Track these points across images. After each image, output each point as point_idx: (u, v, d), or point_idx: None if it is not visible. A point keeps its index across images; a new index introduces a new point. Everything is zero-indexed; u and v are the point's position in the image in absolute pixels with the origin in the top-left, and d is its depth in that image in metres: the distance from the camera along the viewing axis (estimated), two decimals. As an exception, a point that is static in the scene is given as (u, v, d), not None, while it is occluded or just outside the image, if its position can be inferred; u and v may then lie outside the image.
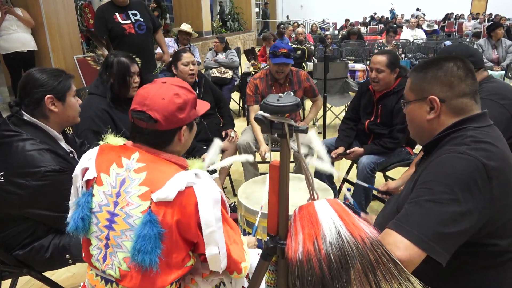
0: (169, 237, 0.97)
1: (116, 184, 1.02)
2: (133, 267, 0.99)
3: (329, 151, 2.72)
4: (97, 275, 1.09)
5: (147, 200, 0.97)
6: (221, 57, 5.25)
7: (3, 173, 1.39)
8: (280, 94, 0.81)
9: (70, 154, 1.56)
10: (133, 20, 3.44)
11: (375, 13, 19.46)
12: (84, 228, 1.04)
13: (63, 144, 1.56)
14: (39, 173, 1.37)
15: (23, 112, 1.47)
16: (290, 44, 6.54)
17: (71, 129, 2.10)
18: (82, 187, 1.07)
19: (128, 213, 0.99)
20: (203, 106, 1.16)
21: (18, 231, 1.48)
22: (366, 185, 2.25)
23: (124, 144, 1.09)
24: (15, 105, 1.49)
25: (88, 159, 1.08)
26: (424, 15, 14.17)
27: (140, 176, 1.00)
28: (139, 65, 2.12)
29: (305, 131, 0.80)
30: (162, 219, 0.96)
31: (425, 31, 9.25)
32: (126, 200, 1.00)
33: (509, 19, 13.85)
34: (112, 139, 1.12)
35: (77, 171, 1.09)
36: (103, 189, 1.03)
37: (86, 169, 1.07)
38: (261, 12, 18.43)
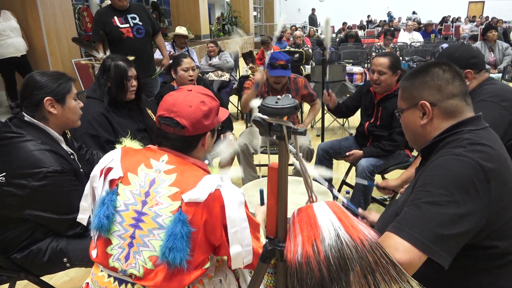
0: (195, 237, 1.00)
1: (145, 184, 1.05)
2: (159, 265, 1.01)
3: (328, 153, 2.73)
4: (109, 275, 1.08)
5: (177, 200, 1.01)
6: (215, 60, 5.27)
7: (4, 173, 1.39)
8: (279, 97, 0.81)
9: (71, 156, 1.56)
10: (132, 24, 3.44)
11: (369, 16, 19.52)
12: (108, 227, 1.05)
13: (64, 145, 1.57)
14: (40, 174, 1.37)
15: (24, 114, 1.48)
16: (288, 47, 6.57)
17: (69, 132, 2.10)
18: (103, 186, 1.09)
19: (157, 212, 1.02)
20: (223, 113, 1.21)
21: (16, 234, 1.47)
22: (365, 182, 2.25)
23: (149, 147, 1.14)
24: (15, 106, 1.50)
25: (111, 160, 1.11)
26: (419, 20, 14.26)
27: (170, 177, 1.05)
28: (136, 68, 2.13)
29: (304, 133, 0.80)
30: (191, 219, 0.99)
31: (424, 31, 9.29)
32: (155, 199, 1.03)
33: (505, 22, 13.92)
34: (129, 143, 1.18)
35: (96, 171, 1.12)
36: (131, 188, 1.06)
37: (109, 169, 1.09)
38: (308, 19, 17.87)
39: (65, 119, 1.53)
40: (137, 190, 1.05)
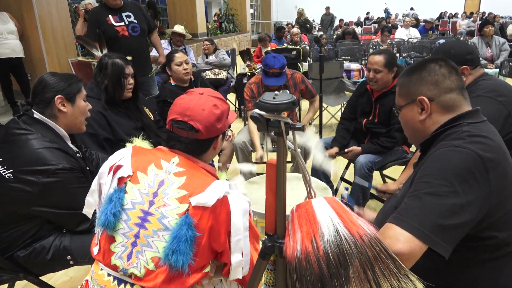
0: (200, 242, 1.00)
1: (154, 184, 1.05)
2: (161, 267, 1.00)
3: (326, 150, 2.72)
4: (109, 274, 1.08)
5: (184, 203, 1.01)
6: (212, 58, 5.26)
7: (11, 170, 1.40)
8: (276, 92, 0.80)
9: (78, 154, 1.58)
10: (127, 22, 3.42)
11: (368, 12, 19.46)
12: (114, 224, 1.04)
13: (70, 144, 1.58)
14: (49, 171, 1.39)
15: (34, 111, 1.50)
16: (285, 44, 6.55)
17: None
18: (111, 183, 1.08)
19: (164, 213, 1.02)
20: (232, 116, 1.22)
21: (22, 231, 1.47)
22: (366, 184, 2.25)
23: (159, 148, 1.14)
24: (26, 104, 1.53)
25: (121, 158, 1.11)
26: (416, 16, 14.25)
27: (180, 179, 1.05)
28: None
29: (302, 128, 0.79)
30: (197, 223, 0.99)
31: (424, 26, 9.30)
32: (163, 201, 1.03)
33: (502, 17, 13.93)
34: (140, 142, 1.18)
35: (105, 168, 1.12)
36: (139, 187, 1.06)
37: (118, 167, 1.09)
38: (320, 21, 14.34)
39: (73, 118, 1.57)
40: (146, 190, 1.05)
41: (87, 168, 1.58)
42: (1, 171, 1.41)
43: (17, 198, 1.40)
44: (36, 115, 1.49)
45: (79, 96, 1.58)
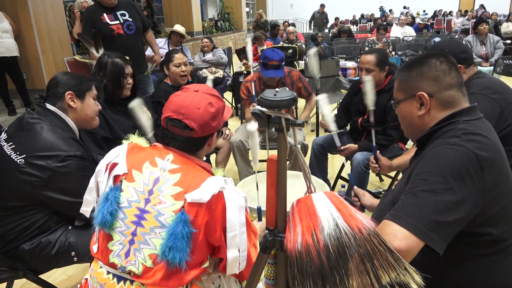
0: (196, 238, 1.01)
1: (149, 182, 1.05)
2: (158, 264, 1.01)
3: (323, 148, 2.74)
4: (108, 272, 1.09)
5: (180, 200, 1.02)
6: (209, 56, 5.26)
7: (23, 156, 1.43)
8: (277, 89, 0.82)
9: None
10: (122, 21, 3.42)
11: (389, 11, 18.87)
12: (111, 223, 1.05)
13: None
14: (60, 156, 1.43)
15: (46, 104, 1.56)
16: (281, 43, 6.56)
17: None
18: (107, 181, 1.09)
19: (159, 211, 1.02)
20: (228, 112, 1.21)
21: (30, 222, 1.49)
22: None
23: (154, 145, 1.15)
24: (40, 98, 1.60)
25: (117, 156, 1.11)
26: (411, 14, 14.29)
27: (174, 176, 1.05)
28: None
29: (302, 124, 0.81)
30: (193, 219, 1.00)
31: (417, 27, 9.34)
32: (158, 198, 1.03)
33: (499, 16, 14.00)
34: (136, 139, 1.18)
35: (101, 166, 1.12)
36: (135, 185, 1.06)
37: (114, 165, 1.09)
38: (310, 19, 13.35)
39: (83, 114, 1.62)
40: (141, 188, 1.05)
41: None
42: (13, 157, 1.44)
43: (27, 183, 1.42)
44: (49, 106, 1.56)
45: (89, 94, 1.64)
